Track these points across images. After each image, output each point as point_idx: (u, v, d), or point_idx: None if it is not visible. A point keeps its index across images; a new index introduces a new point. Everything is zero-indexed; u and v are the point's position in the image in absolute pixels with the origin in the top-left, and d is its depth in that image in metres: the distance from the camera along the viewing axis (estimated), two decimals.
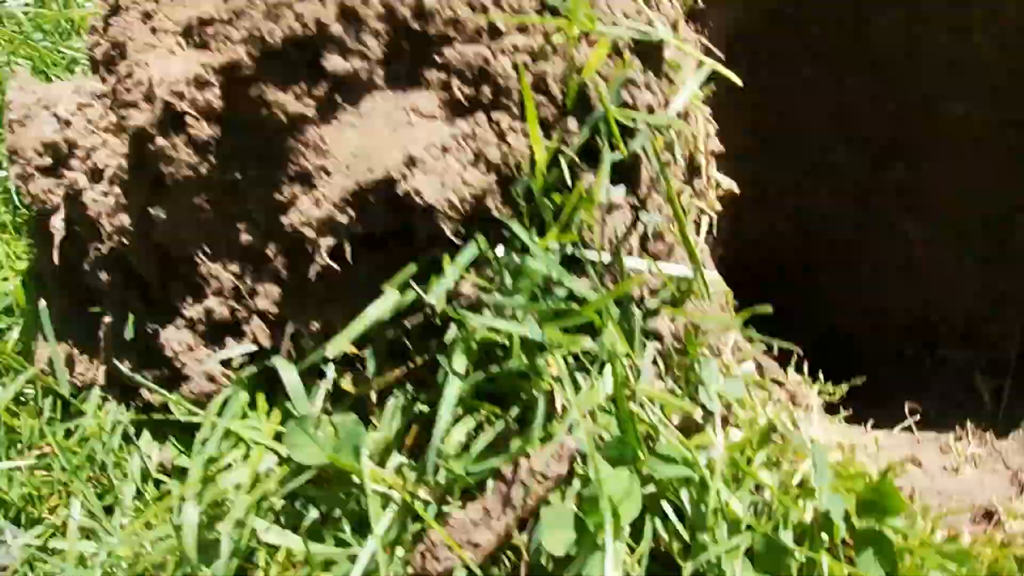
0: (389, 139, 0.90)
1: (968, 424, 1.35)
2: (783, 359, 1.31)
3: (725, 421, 0.95)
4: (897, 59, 1.54)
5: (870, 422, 1.29)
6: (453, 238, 0.88)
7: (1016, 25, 1.42)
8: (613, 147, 0.91)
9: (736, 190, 1.10)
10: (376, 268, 0.92)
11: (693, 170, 1.06)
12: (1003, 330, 1.59)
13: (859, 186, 1.72)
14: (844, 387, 1.19)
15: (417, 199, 0.88)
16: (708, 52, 1.17)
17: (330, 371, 0.94)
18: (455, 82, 0.91)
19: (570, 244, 0.92)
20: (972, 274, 1.65)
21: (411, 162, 0.88)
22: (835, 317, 1.84)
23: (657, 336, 0.95)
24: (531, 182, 0.90)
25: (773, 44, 1.57)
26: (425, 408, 0.93)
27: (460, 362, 0.87)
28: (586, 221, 0.92)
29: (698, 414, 0.94)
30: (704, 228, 1.06)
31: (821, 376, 1.21)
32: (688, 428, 0.95)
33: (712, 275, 0.99)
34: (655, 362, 0.95)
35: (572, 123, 0.92)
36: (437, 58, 0.92)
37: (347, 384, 0.94)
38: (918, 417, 1.29)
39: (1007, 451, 1.27)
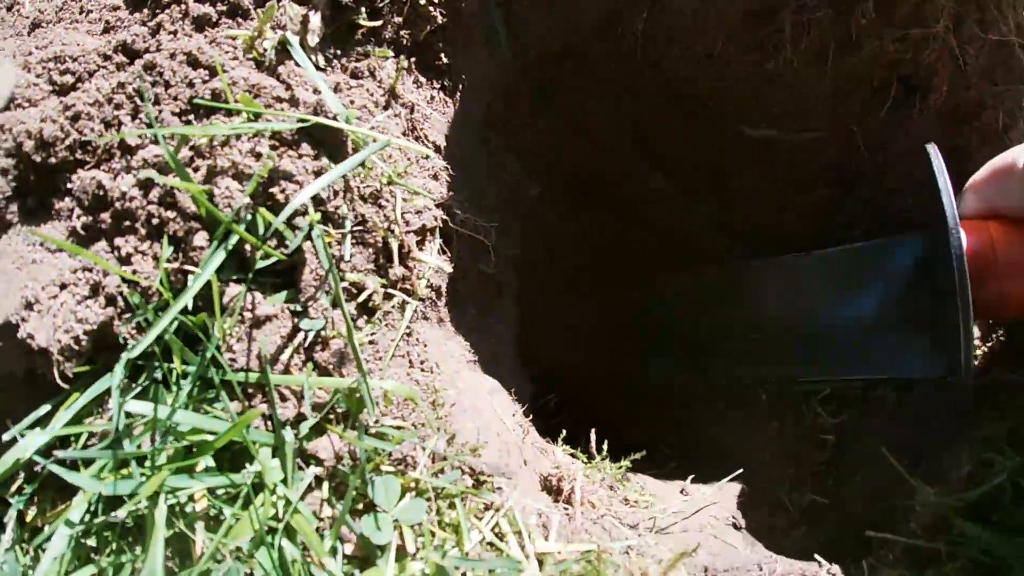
0: (16, 280, 0.84)
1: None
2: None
3: (401, 551, 0.80)
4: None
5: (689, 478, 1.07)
6: (60, 382, 0.79)
7: None
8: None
9: (447, 269, 0.96)
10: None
11: (395, 256, 0.93)
12: None
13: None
14: (626, 462, 1.00)
15: (32, 343, 0.80)
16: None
17: None
18: (76, 211, 0.84)
19: (211, 367, 0.82)
20: None
21: (29, 305, 0.82)
22: None
23: (317, 459, 0.82)
24: (148, 310, 0.80)
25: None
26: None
27: (78, 511, 0.78)
28: (226, 342, 0.82)
29: (378, 539, 0.80)
30: (406, 318, 0.92)
31: (603, 453, 1.03)
32: (369, 558, 0.81)
33: (386, 384, 0.84)
34: (311, 487, 0.81)
35: (200, 238, 0.83)
36: (63, 187, 0.86)
37: None
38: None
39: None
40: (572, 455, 1.11)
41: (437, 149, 1.07)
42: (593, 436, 1.09)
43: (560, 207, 1.36)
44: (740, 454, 1.21)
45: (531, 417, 1.11)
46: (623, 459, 1.07)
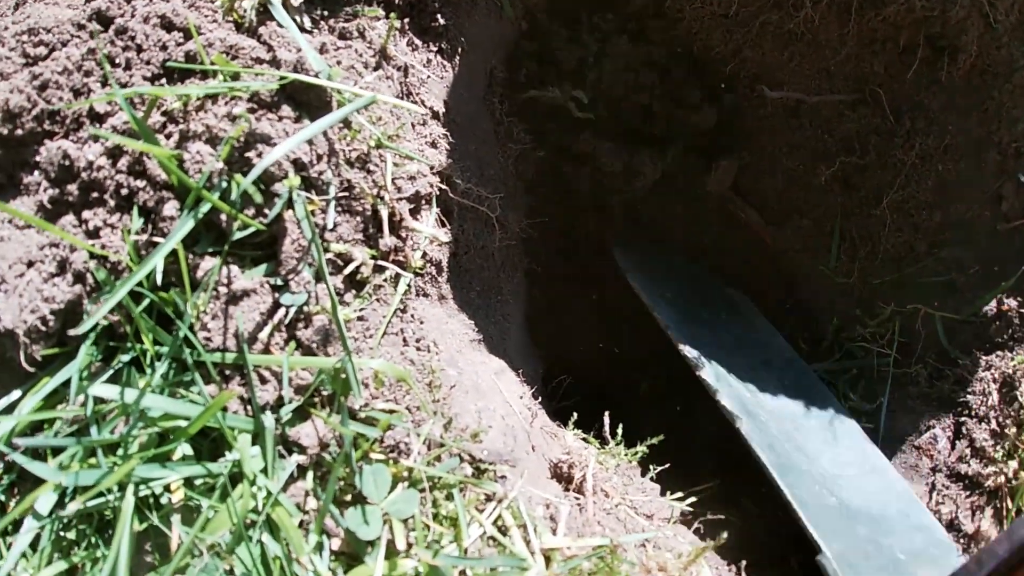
0: None
1: None
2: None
3: (391, 548, 0.70)
4: None
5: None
6: (27, 366, 0.71)
7: None
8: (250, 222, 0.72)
9: (443, 239, 0.85)
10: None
11: (385, 224, 0.83)
12: None
13: None
14: (642, 447, 0.89)
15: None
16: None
17: None
18: (43, 184, 0.76)
19: (183, 345, 0.72)
20: None
21: None
22: None
23: (300, 447, 0.72)
24: (122, 284, 0.71)
25: None
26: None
27: (45, 502, 0.70)
28: (200, 320, 0.73)
29: (365, 535, 0.70)
30: (400, 292, 0.81)
31: (617, 438, 0.91)
32: (357, 554, 0.71)
33: (376, 363, 0.74)
34: (294, 477, 0.72)
35: (171, 207, 0.73)
36: (32, 160, 0.77)
37: None
38: None
39: None
40: (585, 440, 1.00)
41: (435, 115, 0.96)
42: (607, 419, 0.98)
43: (572, 178, 1.24)
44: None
45: (540, 400, 1.00)
46: (639, 444, 0.96)
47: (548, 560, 0.74)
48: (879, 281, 1.16)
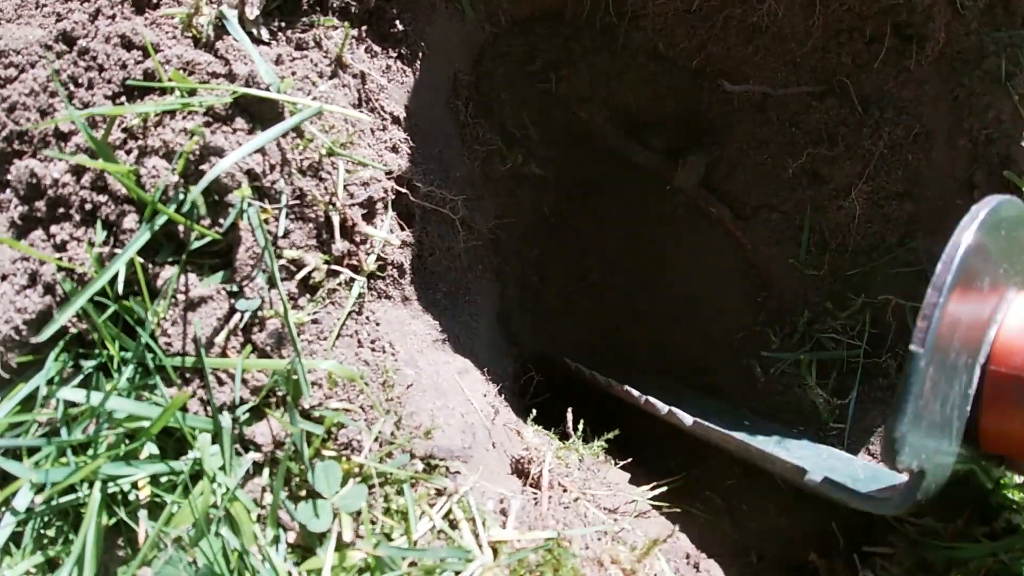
0: None
1: None
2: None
3: (340, 540, 0.73)
4: None
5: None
6: (2, 373, 0.75)
7: None
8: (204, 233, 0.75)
9: (395, 243, 0.87)
10: None
11: (336, 230, 0.85)
12: None
13: None
14: (600, 442, 0.91)
15: None
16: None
17: None
18: (14, 201, 0.80)
19: (145, 350, 0.76)
20: None
21: None
22: None
23: (255, 445, 0.76)
24: (80, 294, 0.75)
25: None
26: None
27: (22, 499, 0.74)
28: (160, 326, 0.76)
29: (315, 527, 0.74)
30: (353, 295, 0.84)
31: (578, 432, 0.93)
32: (311, 547, 0.75)
33: (326, 364, 0.77)
34: (250, 473, 0.75)
35: (130, 220, 0.77)
36: (2, 179, 0.81)
37: None
38: None
39: None
40: (550, 436, 1.02)
41: (396, 120, 0.99)
42: (569, 415, 1.00)
43: (543, 179, 1.25)
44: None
45: (504, 397, 1.02)
46: (596, 439, 0.98)
47: (496, 552, 0.77)
48: (850, 272, 1.16)
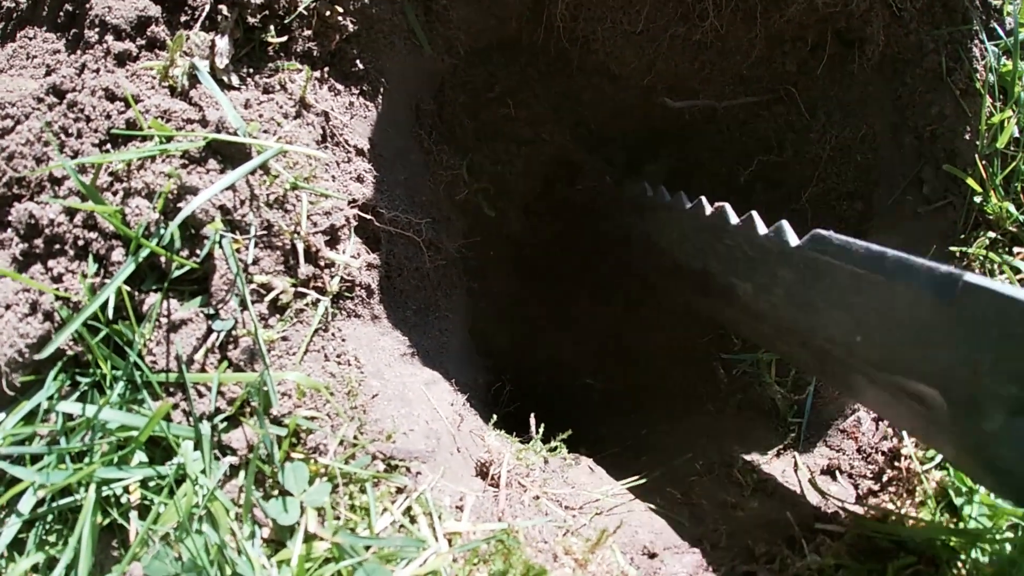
0: None
1: None
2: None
3: (307, 532, 0.81)
4: None
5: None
6: (8, 391, 0.86)
7: None
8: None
9: (355, 266, 0.96)
10: None
11: (300, 256, 0.94)
12: None
13: None
14: (557, 442, 0.98)
15: None
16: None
17: None
18: (15, 239, 0.91)
19: (133, 368, 0.86)
20: None
21: None
22: None
23: (232, 450, 0.84)
24: (74, 319, 0.85)
25: None
26: None
27: (26, 503, 0.84)
28: (146, 346, 0.86)
29: (285, 521, 0.82)
30: (319, 314, 0.93)
31: (539, 434, 1.00)
32: (283, 541, 0.83)
33: (293, 375, 0.86)
34: (228, 475, 0.84)
35: (118, 254, 0.87)
36: (4, 219, 0.92)
37: None
38: None
39: None
40: (509, 439, 1.09)
41: (360, 152, 1.08)
42: (532, 420, 1.07)
43: (505, 200, 1.33)
44: (696, 430, 1.16)
45: (471, 405, 1.10)
46: (552, 439, 1.04)
47: (450, 543, 0.84)
48: None
